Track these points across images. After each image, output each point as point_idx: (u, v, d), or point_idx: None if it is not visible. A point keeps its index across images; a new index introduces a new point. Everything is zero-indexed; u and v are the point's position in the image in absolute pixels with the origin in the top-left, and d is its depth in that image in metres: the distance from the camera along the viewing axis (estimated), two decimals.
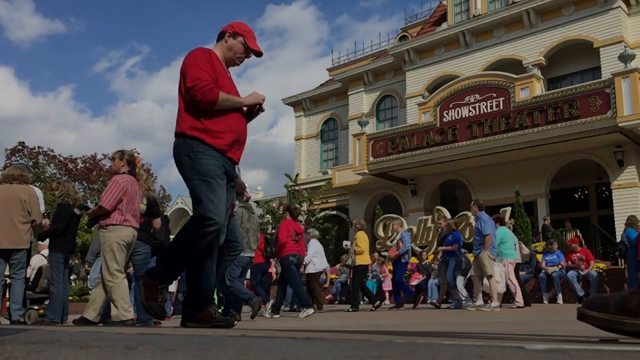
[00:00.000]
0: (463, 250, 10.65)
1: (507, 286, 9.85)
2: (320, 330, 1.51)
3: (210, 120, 3.17)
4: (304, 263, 10.53)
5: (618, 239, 12.98)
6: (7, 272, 6.82)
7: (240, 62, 3.54)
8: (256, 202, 31.56)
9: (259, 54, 3.56)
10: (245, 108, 3.36)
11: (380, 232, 17.45)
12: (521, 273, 12.66)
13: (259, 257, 9.78)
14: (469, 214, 15.71)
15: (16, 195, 6.44)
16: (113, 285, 5.40)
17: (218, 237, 3.24)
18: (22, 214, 6.43)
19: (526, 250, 11.47)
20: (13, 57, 79.03)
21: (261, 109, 3.45)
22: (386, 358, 0.74)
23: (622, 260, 12.37)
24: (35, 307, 8.10)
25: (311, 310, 8.42)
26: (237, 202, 7.75)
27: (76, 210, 6.91)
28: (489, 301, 9.24)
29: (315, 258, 10.74)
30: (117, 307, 5.40)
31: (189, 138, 3.15)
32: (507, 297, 10.19)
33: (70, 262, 7.80)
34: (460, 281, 10.01)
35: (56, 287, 6.97)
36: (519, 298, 9.82)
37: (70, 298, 9.22)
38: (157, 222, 7.15)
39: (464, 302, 9.86)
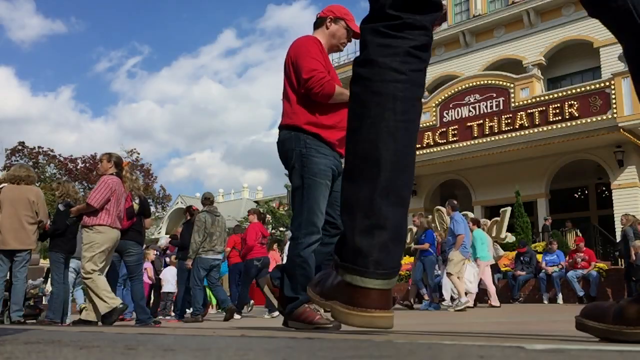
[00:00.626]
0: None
1: (486, 287, 9.99)
2: (320, 331, 1.51)
3: (324, 114, 3.04)
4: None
5: (618, 239, 12.98)
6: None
7: (344, 47, 3.38)
8: (256, 202, 31.61)
9: (358, 36, 3.48)
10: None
11: None
12: (521, 273, 12.69)
13: (236, 258, 9.95)
14: (470, 214, 15.72)
15: (24, 196, 6.48)
16: (92, 281, 5.48)
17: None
18: (30, 214, 6.46)
19: (500, 252, 11.51)
20: (14, 57, 79.18)
21: None
22: (386, 358, 0.74)
23: (622, 260, 12.37)
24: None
25: (238, 317, 8.60)
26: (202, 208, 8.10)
27: (60, 207, 6.92)
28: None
29: None
30: (103, 298, 5.43)
31: (303, 132, 2.99)
32: (483, 297, 10.25)
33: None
34: (447, 283, 9.94)
35: (56, 287, 6.98)
36: (495, 300, 10.00)
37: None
38: (148, 222, 7.23)
39: (445, 302, 9.82)
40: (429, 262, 10.11)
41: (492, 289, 10.26)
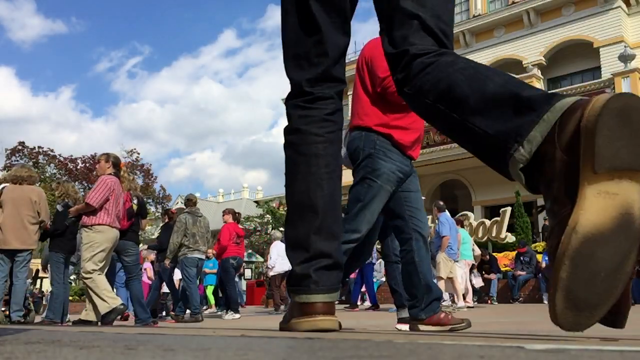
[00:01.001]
0: None
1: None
2: (319, 331, 1.51)
3: (397, 115, 2.99)
4: (269, 267, 10.85)
5: None
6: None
7: None
8: (256, 202, 31.59)
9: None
10: None
11: None
12: (521, 273, 12.69)
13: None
14: (470, 214, 15.71)
15: (27, 195, 6.48)
16: (92, 281, 5.47)
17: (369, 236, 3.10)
18: (32, 214, 6.46)
19: (478, 252, 11.53)
20: (14, 58, 79.29)
21: None
22: (386, 358, 0.74)
23: None
24: (2, 309, 8.05)
25: (237, 316, 8.73)
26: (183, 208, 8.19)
27: (58, 207, 6.92)
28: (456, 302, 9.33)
29: (278, 260, 10.82)
30: (103, 298, 5.43)
31: (374, 133, 2.96)
32: (483, 297, 10.22)
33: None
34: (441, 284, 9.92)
35: (56, 287, 6.98)
36: (470, 298, 10.06)
37: (70, 298, 9.23)
38: (144, 223, 7.26)
39: (444, 303, 9.81)
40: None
41: (470, 289, 10.35)
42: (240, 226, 9.74)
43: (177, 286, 9.63)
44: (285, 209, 1.74)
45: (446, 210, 9.51)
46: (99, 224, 5.58)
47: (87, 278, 5.50)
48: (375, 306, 10.98)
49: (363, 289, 11.92)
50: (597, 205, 0.96)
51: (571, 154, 1.01)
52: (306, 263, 1.57)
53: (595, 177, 0.96)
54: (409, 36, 1.42)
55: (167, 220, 8.87)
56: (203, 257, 8.29)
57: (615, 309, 1.11)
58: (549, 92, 1.13)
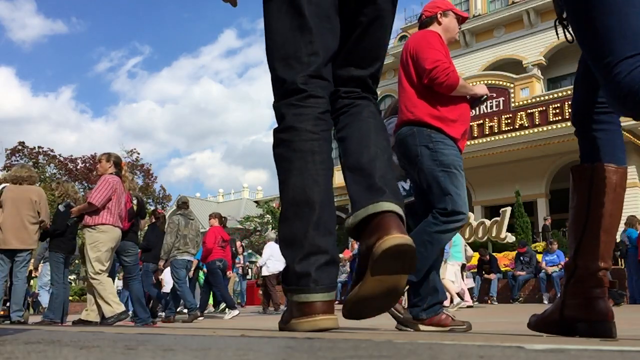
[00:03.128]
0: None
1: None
2: (319, 330, 1.51)
3: (445, 107, 2.93)
4: (259, 265, 10.90)
5: (618, 239, 12.98)
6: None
7: (454, 40, 3.31)
8: (256, 202, 31.59)
9: (465, 19, 3.33)
10: (468, 97, 3.10)
11: None
12: (521, 273, 12.69)
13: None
14: (470, 214, 15.71)
15: (27, 195, 6.47)
16: (100, 283, 5.46)
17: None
18: (32, 214, 6.45)
19: (470, 252, 11.55)
20: (15, 58, 79.30)
21: (483, 101, 3.21)
22: (386, 358, 0.74)
23: (622, 261, 12.37)
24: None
25: (236, 312, 8.80)
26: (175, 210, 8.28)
27: (60, 207, 6.92)
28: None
29: (270, 260, 10.81)
30: (109, 302, 5.43)
31: (426, 127, 2.88)
32: (483, 297, 10.23)
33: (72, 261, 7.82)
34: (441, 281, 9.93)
35: (56, 287, 6.98)
36: (468, 297, 10.13)
37: (70, 298, 9.23)
38: (143, 223, 7.27)
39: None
40: None
41: (464, 288, 10.43)
42: (225, 230, 9.84)
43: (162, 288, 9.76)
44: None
45: None
46: (102, 224, 5.57)
47: (94, 279, 5.47)
48: None
49: None
50: (372, 283, 1.52)
51: (366, 252, 1.52)
52: (305, 260, 1.54)
53: (371, 274, 1.52)
54: (344, 78, 1.76)
55: (153, 220, 8.92)
56: (192, 259, 8.36)
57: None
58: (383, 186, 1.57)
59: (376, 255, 1.47)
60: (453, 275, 9.55)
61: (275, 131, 1.70)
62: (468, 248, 11.51)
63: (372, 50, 1.80)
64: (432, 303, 2.91)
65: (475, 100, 3.17)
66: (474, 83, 17.03)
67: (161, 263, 8.22)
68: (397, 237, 1.47)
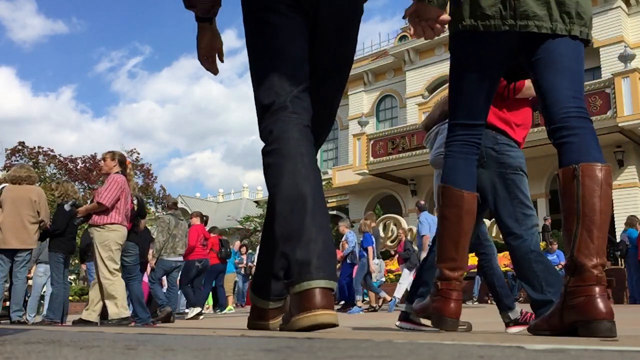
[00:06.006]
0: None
1: None
2: (320, 331, 1.51)
3: (511, 111, 2.90)
4: (250, 265, 10.84)
5: (618, 239, 12.98)
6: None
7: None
8: (256, 202, 31.57)
9: None
10: (530, 98, 3.06)
11: (380, 232, 17.47)
12: None
13: (214, 259, 10.15)
14: None
15: (27, 195, 6.47)
16: (112, 283, 5.45)
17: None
18: (31, 214, 6.45)
19: None
20: (15, 58, 79.34)
21: None
22: (386, 358, 0.74)
23: (623, 261, 12.37)
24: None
25: (198, 309, 8.80)
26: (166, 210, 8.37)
27: (66, 207, 6.91)
28: None
29: None
30: (117, 305, 5.43)
31: (491, 129, 2.83)
32: (483, 297, 10.25)
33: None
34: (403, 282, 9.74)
35: (56, 287, 6.98)
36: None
37: (70, 298, 9.23)
38: (143, 223, 7.28)
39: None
40: (359, 266, 9.96)
41: None
42: (206, 229, 9.90)
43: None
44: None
45: (426, 210, 9.49)
46: (111, 223, 5.56)
47: (107, 279, 5.45)
48: (347, 305, 10.94)
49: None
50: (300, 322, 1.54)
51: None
52: (305, 248, 1.57)
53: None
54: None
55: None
56: (180, 259, 8.38)
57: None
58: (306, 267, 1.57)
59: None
60: None
61: (264, 149, 1.79)
62: None
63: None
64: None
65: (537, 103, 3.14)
66: None
67: (152, 261, 8.26)
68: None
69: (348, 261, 10.71)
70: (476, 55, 1.99)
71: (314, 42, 1.89)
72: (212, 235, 10.55)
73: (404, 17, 2.22)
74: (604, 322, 1.65)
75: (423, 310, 2.30)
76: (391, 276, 14.65)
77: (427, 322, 2.88)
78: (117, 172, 5.85)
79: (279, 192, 1.68)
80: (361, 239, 10.11)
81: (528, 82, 2.90)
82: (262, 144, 1.81)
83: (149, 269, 8.84)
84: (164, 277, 11.19)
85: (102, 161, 6.14)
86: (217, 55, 2.03)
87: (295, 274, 1.57)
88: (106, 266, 5.45)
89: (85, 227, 7.85)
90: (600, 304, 1.66)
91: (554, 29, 1.89)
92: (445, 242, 2.06)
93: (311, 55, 1.88)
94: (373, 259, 9.88)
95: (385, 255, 14.91)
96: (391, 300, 9.84)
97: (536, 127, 16.99)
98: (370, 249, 9.62)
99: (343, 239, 11.01)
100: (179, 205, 33.28)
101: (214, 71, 2.04)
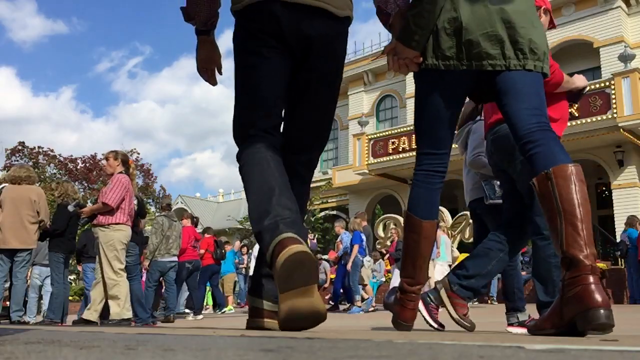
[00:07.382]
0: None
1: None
2: (320, 330, 1.51)
3: (550, 106, 2.71)
4: (248, 266, 10.87)
5: (618, 239, 12.98)
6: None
7: None
8: None
9: (553, 28, 3.16)
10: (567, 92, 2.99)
11: (380, 232, 17.46)
12: (522, 273, 12.67)
13: (209, 259, 10.17)
14: (469, 214, 15.69)
15: (26, 195, 6.47)
16: (117, 283, 5.45)
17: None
18: (31, 214, 6.45)
19: (456, 253, 11.54)
20: (15, 58, 79.11)
21: (585, 93, 3.11)
22: (386, 358, 0.74)
23: (622, 260, 12.36)
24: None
25: (172, 318, 8.75)
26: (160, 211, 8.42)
27: (70, 208, 6.91)
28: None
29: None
30: (119, 305, 5.42)
31: None
32: (483, 297, 10.25)
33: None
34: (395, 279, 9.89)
35: (56, 287, 6.98)
36: None
37: (70, 298, 9.23)
38: (143, 223, 7.29)
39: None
40: (352, 265, 9.98)
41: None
42: (198, 230, 9.96)
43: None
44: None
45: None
46: (116, 223, 5.56)
47: (112, 279, 5.45)
48: (336, 305, 10.94)
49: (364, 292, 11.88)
50: (285, 304, 1.61)
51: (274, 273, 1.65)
52: (272, 220, 1.71)
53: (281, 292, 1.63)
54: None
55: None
56: (174, 259, 8.37)
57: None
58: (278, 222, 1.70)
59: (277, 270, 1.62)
60: (440, 275, 9.59)
61: (239, 168, 2.00)
62: (454, 249, 11.54)
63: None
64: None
65: (577, 94, 3.10)
66: None
67: (146, 263, 8.26)
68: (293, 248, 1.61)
69: (342, 262, 10.66)
70: (439, 90, 2.15)
71: (303, 66, 2.05)
72: (206, 235, 10.58)
73: (382, 53, 2.38)
74: (600, 310, 1.66)
75: (387, 307, 2.47)
76: (391, 276, 14.64)
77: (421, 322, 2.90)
78: (121, 172, 5.85)
79: (252, 189, 1.87)
80: (351, 237, 10.15)
81: (566, 75, 2.93)
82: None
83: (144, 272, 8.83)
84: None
85: (105, 161, 6.14)
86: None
87: (267, 239, 1.68)
88: (111, 266, 5.45)
89: (84, 228, 7.86)
90: (596, 291, 1.68)
91: (507, 66, 2.03)
92: (406, 261, 2.33)
93: (300, 74, 2.06)
94: (365, 256, 10.01)
95: (381, 256, 14.92)
96: (368, 298, 9.94)
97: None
98: (356, 246, 9.67)
99: (338, 239, 11.01)
100: (180, 205, 33.28)
101: (213, 83, 2.22)
